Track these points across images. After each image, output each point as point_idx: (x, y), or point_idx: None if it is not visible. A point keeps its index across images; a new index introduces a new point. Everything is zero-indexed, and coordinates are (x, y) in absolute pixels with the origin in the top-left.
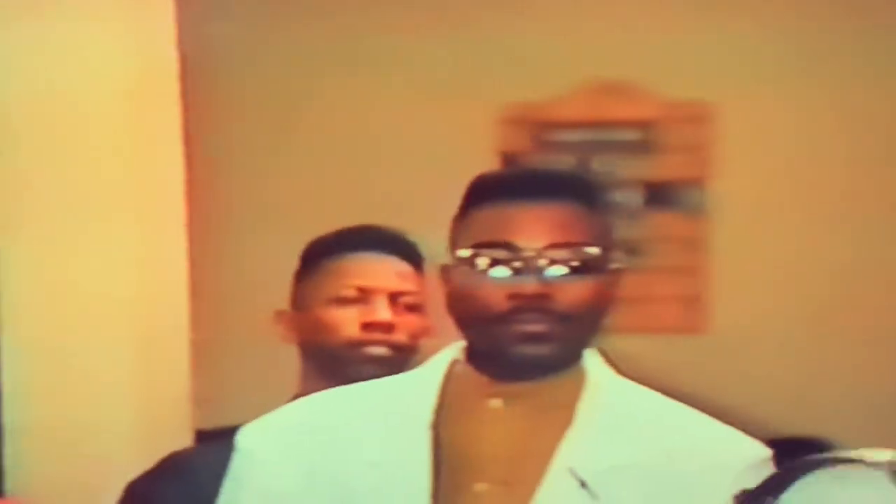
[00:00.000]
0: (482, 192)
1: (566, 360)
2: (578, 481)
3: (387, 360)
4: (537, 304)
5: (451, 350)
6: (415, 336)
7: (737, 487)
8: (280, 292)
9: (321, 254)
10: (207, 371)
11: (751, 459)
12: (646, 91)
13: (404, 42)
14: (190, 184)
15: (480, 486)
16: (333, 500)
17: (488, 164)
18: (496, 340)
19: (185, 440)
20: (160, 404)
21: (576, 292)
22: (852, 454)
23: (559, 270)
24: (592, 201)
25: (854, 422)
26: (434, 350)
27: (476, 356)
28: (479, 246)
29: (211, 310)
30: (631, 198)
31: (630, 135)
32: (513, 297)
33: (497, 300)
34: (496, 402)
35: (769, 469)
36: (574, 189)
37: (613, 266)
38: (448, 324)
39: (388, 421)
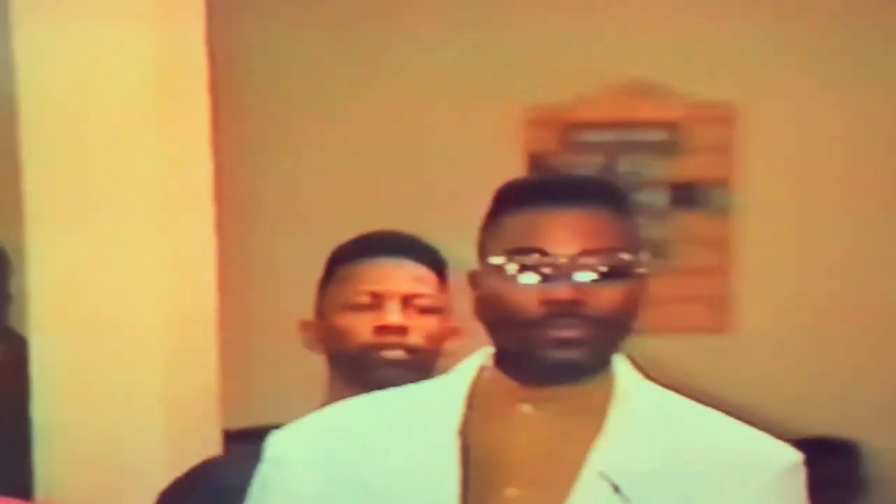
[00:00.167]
0: (511, 199)
1: (596, 366)
2: (611, 486)
3: (405, 364)
4: (571, 309)
5: (479, 355)
6: (433, 338)
7: (771, 492)
8: (309, 293)
9: (337, 262)
10: (236, 372)
11: (781, 464)
12: (672, 92)
13: (432, 45)
14: (219, 185)
15: (511, 491)
16: None
17: (516, 165)
18: (528, 346)
19: (213, 441)
20: (189, 405)
21: (607, 297)
22: None
23: (589, 275)
24: (621, 206)
25: (883, 423)
26: (464, 354)
27: (505, 361)
28: (511, 253)
29: (240, 311)
30: (657, 198)
31: (656, 135)
32: (546, 302)
33: (530, 306)
34: (526, 407)
35: (800, 473)
36: (604, 194)
37: (641, 270)
38: (478, 328)
39: (416, 427)
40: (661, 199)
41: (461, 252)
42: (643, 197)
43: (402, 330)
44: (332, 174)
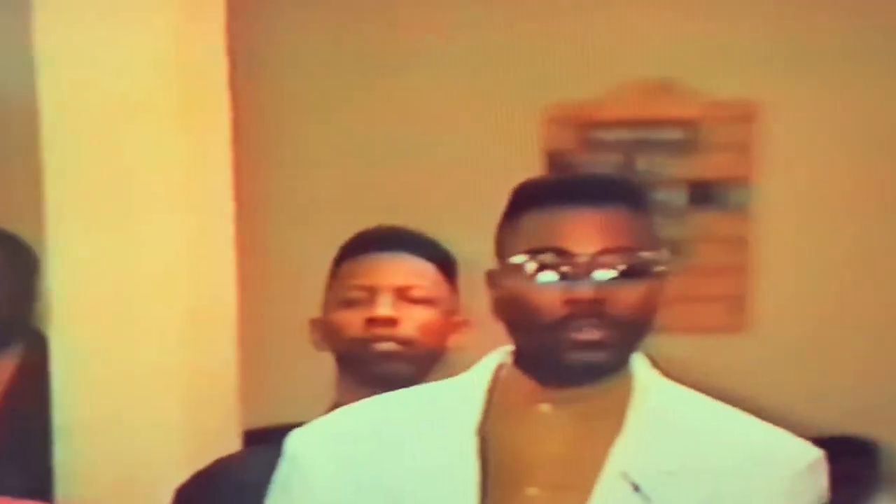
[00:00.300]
0: (529, 198)
1: (617, 366)
2: (631, 485)
3: (399, 356)
4: (593, 308)
5: (498, 354)
6: (430, 331)
7: (791, 490)
8: None
9: (337, 259)
10: (256, 371)
11: (802, 461)
12: (690, 90)
13: (451, 43)
14: (238, 184)
15: (531, 491)
16: None
17: (534, 163)
18: (550, 347)
19: (232, 439)
20: (209, 404)
21: (628, 297)
22: None
23: (609, 274)
24: (640, 204)
25: None
26: (477, 349)
27: (525, 361)
28: (531, 252)
29: (260, 309)
30: (675, 197)
31: (675, 134)
32: (567, 302)
33: (550, 306)
34: (545, 407)
35: (822, 470)
36: (622, 193)
37: (660, 269)
38: (489, 323)
39: (435, 426)
40: (679, 197)
41: (480, 250)
42: (661, 195)
43: (391, 322)
44: (351, 173)
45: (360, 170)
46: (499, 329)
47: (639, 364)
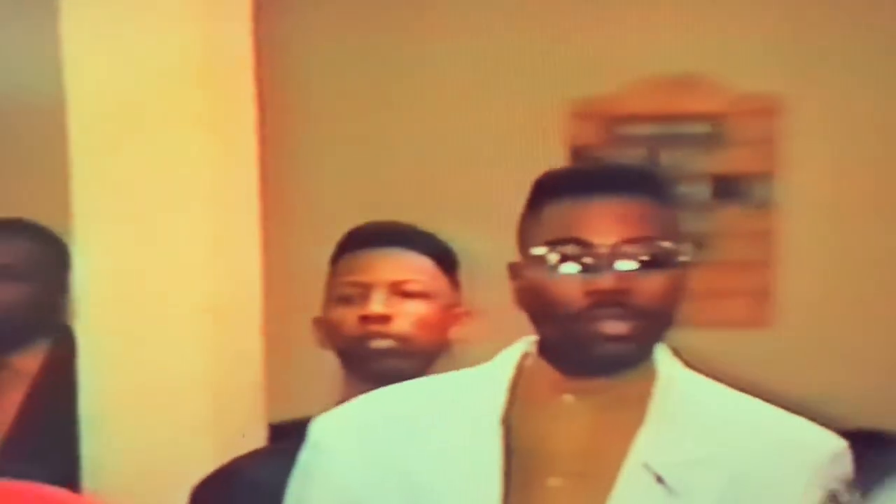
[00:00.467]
0: (551, 189)
1: (641, 357)
2: (654, 476)
3: (395, 353)
4: (615, 299)
5: (522, 344)
6: (427, 325)
7: (815, 480)
8: None
9: (332, 257)
10: (281, 363)
11: (827, 451)
12: (715, 84)
13: (475, 40)
14: (264, 179)
15: (554, 481)
16: (404, 494)
17: (558, 158)
18: (574, 339)
19: (258, 433)
20: (234, 398)
21: (650, 287)
22: None
23: (630, 264)
24: (662, 195)
25: None
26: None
27: (549, 351)
28: (552, 243)
29: (284, 302)
30: (699, 191)
31: (699, 128)
32: (589, 293)
33: (573, 296)
34: (569, 398)
35: (846, 460)
36: (644, 183)
37: (682, 259)
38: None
39: (459, 415)
40: (703, 192)
41: (503, 245)
42: (685, 190)
43: (384, 319)
44: (377, 168)
45: (385, 168)
46: (507, 320)
47: (662, 355)
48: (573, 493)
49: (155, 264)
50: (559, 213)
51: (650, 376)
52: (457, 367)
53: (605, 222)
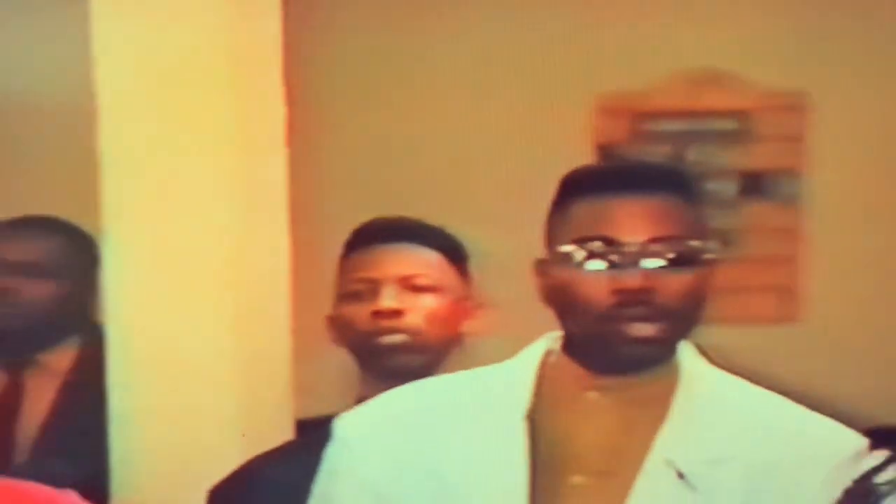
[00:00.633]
0: (578, 186)
1: (667, 356)
2: (676, 473)
3: (408, 348)
4: (641, 297)
5: (545, 340)
6: (438, 320)
7: (836, 478)
8: None
9: (341, 254)
10: (308, 359)
11: (849, 450)
12: (741, 80)
13: (502, 36)
14: (293, 175)
15: (578, 478)
16: (429, 490)
17: (585, 155)
18: (601, 338)
19: (285, 429)
20: (262, 393)
21: (676, 285)
22: None
23: (657, 262)
24: (689, 193)
25: None
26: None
27: (574, 348)
28: (580, 241)
29: (312, 298)
30: (726, 187)
31: (726, 124)
32: (616, 291)
33: (600, 295)
34: (593, 394)
35: (867, 459)
36: (671, 181)
37: (708, 257)
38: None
39: (484, 411)
40: (729, 188)
41: (529, 240)
42: (712, 186)
43: (396, 313)
44: (403, 165)
45: (413, 165)
46: (520, 314)
47: (686, 352)
48: (596, 491)
49: (183, 262)
50: (586, 211)
51: (674, 373)
52: (469, 361)
53: (632, 220)
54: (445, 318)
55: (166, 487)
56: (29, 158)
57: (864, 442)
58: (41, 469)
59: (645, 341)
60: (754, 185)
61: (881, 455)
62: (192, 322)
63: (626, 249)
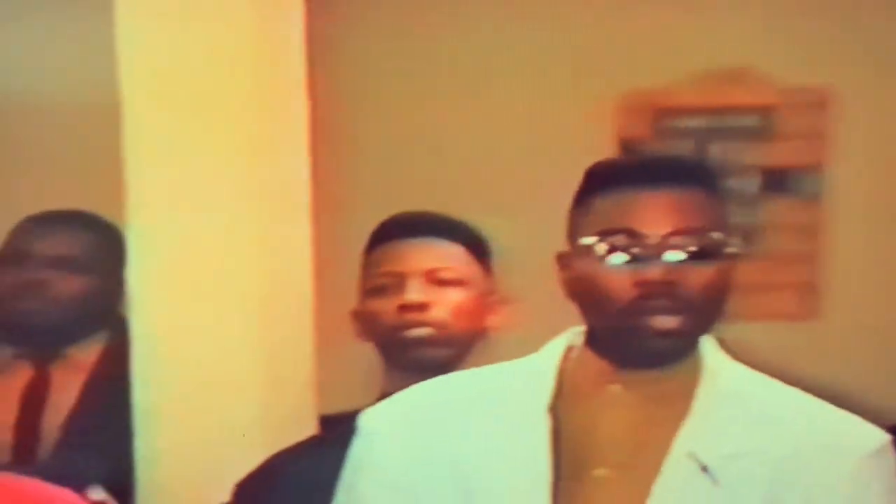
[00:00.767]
0: (601, 179)
1: (689, 350)
2: (699, 466)
3: (434, 341)
4: (663, 290)
5: (568, 335)
6: (463, 313)
7: (859, 473)
8: None
9: (365, 249)
10: (332, 355)
11: (871, 445)
12: (764, 77)
13: (525, 32)
14: (315, 171)
15: (600, 471)
16: (454, 483)
17: (607, 151)
18: (624, 332)
19: (309, 426)
20: (285, 388)
21: (699, 279)
22: None
23: (679, 255)
24: (711, 186)
25: None
26: (527, 335)
27: (597, 342)
28: (603, 234)
29: (335, 294)
30: (748, 184)
31: (748, 121)
32: (638, 283)
33: (622, 288)
34: (615, 388)
35: (889, 456)
36: (693, 174)
37: (731, 251)
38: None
39: (507, 405)
40: (752, 184)
41: (552, 236)
42: (734, 183)
43: (422, 307)
44: (426, 162)
45: (436, 161)
46: (544, 308)
47: (708, 347)
48: (619, 484)
49: (207, 258)
50: (609, 204)
51: (697, 368)
52: (493, 355)
53: (655, 213)
54: (470, 312)
55: (191, 482)
56: (55, 156)
57: (886, 437)
58: (66, 464)
59: (667, 334)
60: (776, 181)
61: None
62: (216, 317)
63: (649, 241)
